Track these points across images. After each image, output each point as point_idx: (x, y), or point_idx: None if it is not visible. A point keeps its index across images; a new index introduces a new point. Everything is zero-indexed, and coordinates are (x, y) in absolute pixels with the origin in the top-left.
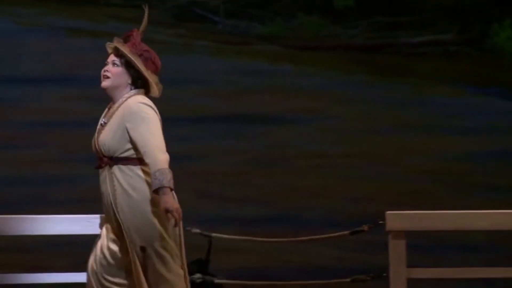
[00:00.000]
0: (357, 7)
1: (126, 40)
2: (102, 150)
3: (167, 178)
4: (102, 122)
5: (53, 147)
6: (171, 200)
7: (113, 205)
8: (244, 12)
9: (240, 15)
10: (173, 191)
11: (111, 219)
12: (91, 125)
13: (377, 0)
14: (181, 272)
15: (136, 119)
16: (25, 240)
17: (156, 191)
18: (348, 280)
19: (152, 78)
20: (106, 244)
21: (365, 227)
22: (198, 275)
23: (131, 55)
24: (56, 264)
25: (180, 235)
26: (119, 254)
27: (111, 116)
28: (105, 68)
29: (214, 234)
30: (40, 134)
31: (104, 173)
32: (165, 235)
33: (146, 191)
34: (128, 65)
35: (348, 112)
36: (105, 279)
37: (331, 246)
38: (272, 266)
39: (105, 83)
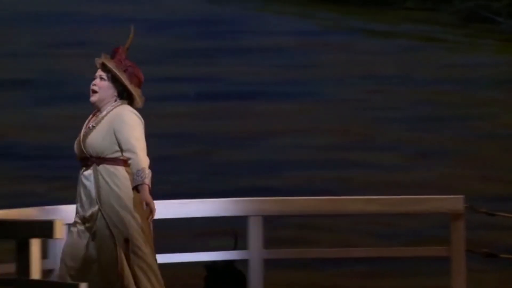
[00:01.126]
0: None
1: (112, 56)
2: (90, 151)
3: (148, 177)
4: (90, 125)
5: (353, 136)
6: (149, 196)
7: (98, 201)
8: None
9: None
10: (150, 188)
11: (89, 215)
12: (385, 118)
13: None
14: (154, 262)
15: (124, 125)
16: (327, 220)
17: (135, 187)
18: None
19: (135, 92)
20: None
21: None
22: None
23: (116, 70)
24: (359, 242)
25: (151, 230)
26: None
27: (99, 121)
28: (94, 82)
29: (498, 213)
30: (342, 124)
31: (89, 171)
32: (142, 230)
33: (129, 189)
34: (114, 80)
35: None
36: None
37: None
38: None
39: (93, 98)
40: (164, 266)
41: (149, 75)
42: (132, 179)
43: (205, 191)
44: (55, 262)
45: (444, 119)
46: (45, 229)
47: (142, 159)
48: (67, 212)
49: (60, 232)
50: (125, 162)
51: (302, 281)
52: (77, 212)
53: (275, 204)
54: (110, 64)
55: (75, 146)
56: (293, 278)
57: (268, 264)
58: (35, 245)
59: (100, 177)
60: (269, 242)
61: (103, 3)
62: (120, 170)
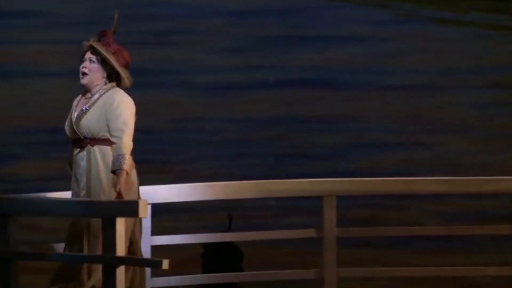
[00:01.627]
0: None
1: (99, 39)
2: (84, 132)
3: (127, 163)
4: (83, 108)
5: (424, 120)
6: (122, 182)
7: (87, 177)
8: None
9: None
10: (128, 173)
11: (83, 194)
12: (455, 103)
13: None
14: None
15: (114, 109)
16: (398, 200)
17: (114, 171)
18: None
19: (124, 72)
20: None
21: None
22: None
23: (106, 53)
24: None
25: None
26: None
27: (92, 104)
28: (83, 64)
29: None
30: (413, 109)
31: (84, 153)
32: None
33: None
34: (104, 62)
35: None
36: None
37: None
38: None
39: (83, 81)
40: (242, 244)
41: (232, 63)
42: (112, 163)
43: (282, 173)
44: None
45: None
46: (130, 209)
47: (125, 145)
48: (155, 193)
49: (144, 212)
50: None
51: (373, 259)
52: (73, 190)
53: (348, 184)
54: (99, 47)
55: (67, 128)
56: (365, 256)
57: (341, 242)
58: (120, 223)
59: (93, 157)
60: (342, 221)
61: None
62: (111, 150)
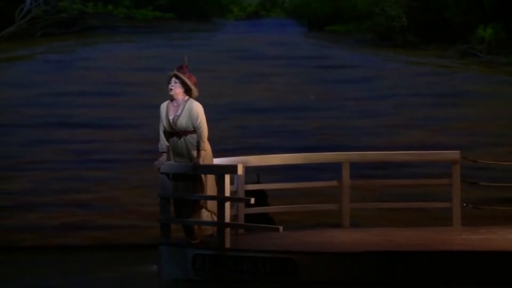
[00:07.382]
0: None
1: (179, 69)
2: (179, 128)
3: (204, 146)
4: (177, 114)
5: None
6: (201, 156)
7: (188, 155)
8: None
9: None
10: (206, 150)
11: (182, 161)
12: None
13: None
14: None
15: (195, 114)
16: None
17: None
18: None
19: (194, 89)
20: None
21: None
22: None
23: (185, 79)
24: None
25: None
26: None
27: (181, 112)
28: (170, 84)
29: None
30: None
31: (181, 140)
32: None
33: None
34: (183, 83)
35: None
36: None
37: None
38: None
39: (171, 93)
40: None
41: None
42: (196, 145)
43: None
44: (237, 187)
45: None
46: (233, 169)
47: (203, 136)
48: (246, 160)
49: (241, 171)
50: None
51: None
52: (177, 161)
53: (357, 155)
54: (181, 75)
55: (166, 125)
56: (368, 197)
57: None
58: (227, 178)
59: (188, 142)
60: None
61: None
62: (196, 137)
